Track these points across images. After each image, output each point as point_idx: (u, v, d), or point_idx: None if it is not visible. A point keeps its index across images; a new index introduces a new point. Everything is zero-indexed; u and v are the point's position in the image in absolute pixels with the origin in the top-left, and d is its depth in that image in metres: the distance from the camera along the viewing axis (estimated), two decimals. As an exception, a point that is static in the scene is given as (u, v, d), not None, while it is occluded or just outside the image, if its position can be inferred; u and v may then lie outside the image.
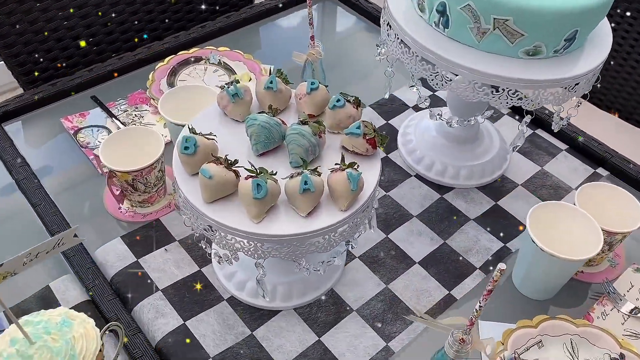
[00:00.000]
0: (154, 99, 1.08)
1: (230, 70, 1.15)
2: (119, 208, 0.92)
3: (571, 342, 0.76)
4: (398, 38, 0.80)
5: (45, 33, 1.19)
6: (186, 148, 0.67)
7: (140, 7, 1.30)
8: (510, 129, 1.07)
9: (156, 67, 1.14)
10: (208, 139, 0.69)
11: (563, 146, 1.06)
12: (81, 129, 1.04)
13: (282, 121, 0.72)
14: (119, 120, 1.05)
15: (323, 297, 0.82)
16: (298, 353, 0.77)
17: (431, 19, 0.78)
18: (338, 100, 0.74)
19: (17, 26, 1.16)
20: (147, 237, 0.88)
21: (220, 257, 0.72)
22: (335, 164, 0.68)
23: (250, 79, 1.14)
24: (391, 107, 1.11)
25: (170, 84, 1.12)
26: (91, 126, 1.05)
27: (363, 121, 0.72)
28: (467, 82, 0.76)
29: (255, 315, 0.80)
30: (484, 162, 0.98)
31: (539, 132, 1.08)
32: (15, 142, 1.01)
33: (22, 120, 1.07)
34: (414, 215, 0.93)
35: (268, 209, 0.66)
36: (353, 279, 0.85)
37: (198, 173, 0.68)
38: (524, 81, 0.73)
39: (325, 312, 0.81)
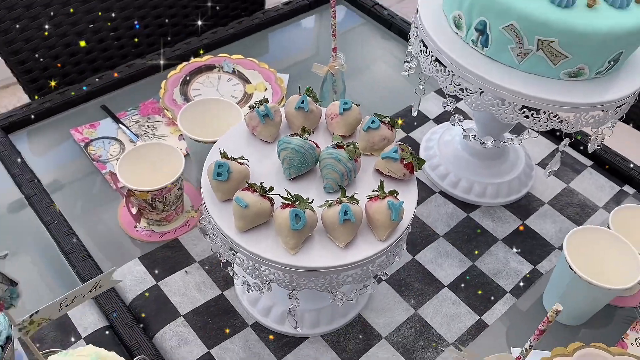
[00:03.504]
0: (167, 110, 1.04)
1: (244, 80, 1.12)
2: (135, 226, 0.88)
3: (609, 372, 0.74)
4: (433, 56, 0.77)
5: (46, 33, 1.14)
6: (219, 174, 0.64)
7: (149, 11, 1.25)
8: (533, 142, 1.05)
9: (168, 76, 1.10)
10: (240, 163, 0.66)
11: (588, 162, 1.03)
12: (92, 140, 1.00)
13: (316, 144, 0.68)
14: (132, 132, 1.01)
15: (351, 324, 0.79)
16: (328, 383, 0.74)
17: (468, 37, 0.75)
18: (373, 122, 0.70)
19: (24, 32, 1.11)
20: (166, 258, 0.85)
21: (250, 286, 0.69)
22: (374, 191, 0.65)
23: (266, 89, 1.10)
24: (411, 119, 1.08)
25: (184, 94, 1.08)
26: (102, 138, 1.01)
27: (399, 144, 0.69)
28: (506, 105, 0.73)
29: (282, 343, 0.77)
30: (510, 180, 0.95)
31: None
32: (23, 154, 0.96)
33: (27, 131, 1.03)
34: (440, 235, 0.91)
35: (304, 239, 0.63)
36: (381, 304, 0.82)
37: (229, 199, 0.65)
38: (568, 104, 0.70)
39: (354, 340, 0.78)
